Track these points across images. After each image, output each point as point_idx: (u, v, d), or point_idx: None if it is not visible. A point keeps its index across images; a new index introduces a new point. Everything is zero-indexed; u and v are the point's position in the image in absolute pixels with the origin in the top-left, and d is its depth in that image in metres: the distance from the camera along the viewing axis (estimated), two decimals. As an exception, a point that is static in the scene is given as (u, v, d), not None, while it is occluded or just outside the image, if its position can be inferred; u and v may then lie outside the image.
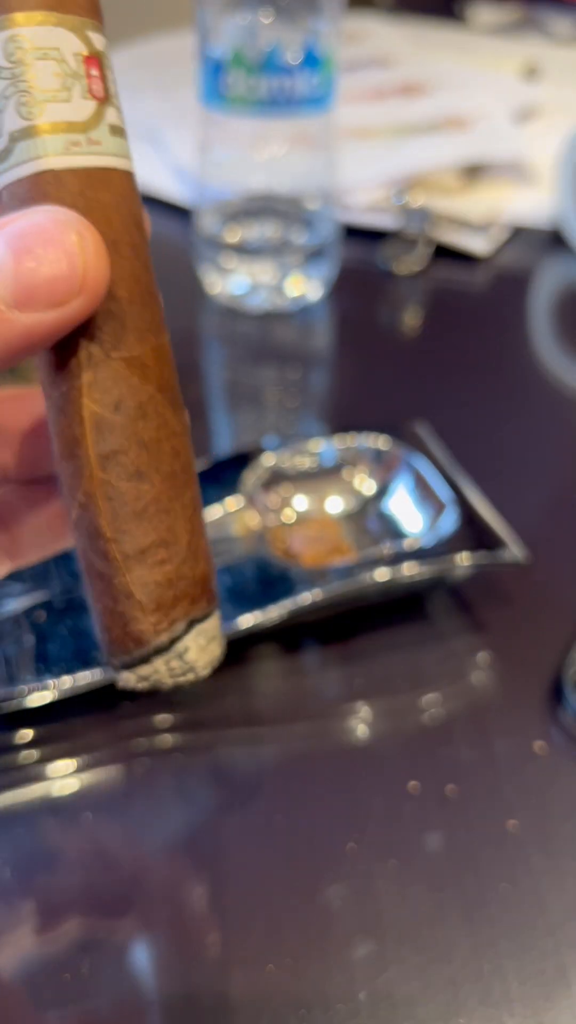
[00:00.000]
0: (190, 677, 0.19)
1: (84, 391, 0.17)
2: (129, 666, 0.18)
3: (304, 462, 0.35)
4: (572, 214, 0.57)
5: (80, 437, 0.17)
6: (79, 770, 0.27)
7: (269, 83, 0.44)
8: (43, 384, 0.18)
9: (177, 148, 0.64)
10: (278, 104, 0.45)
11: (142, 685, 0.19)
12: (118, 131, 0.18)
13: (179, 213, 0.58)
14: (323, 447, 0.36)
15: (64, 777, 0.27)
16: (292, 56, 0.44)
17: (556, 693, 0.29)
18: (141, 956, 0.23)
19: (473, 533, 0.31)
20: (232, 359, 0.48)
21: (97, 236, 0.16)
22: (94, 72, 0.17)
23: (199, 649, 0.19)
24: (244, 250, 0.51)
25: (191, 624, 0.18)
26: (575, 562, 0.35)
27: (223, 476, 0.34)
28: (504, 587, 0.33)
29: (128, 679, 0.19)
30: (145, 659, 0.18)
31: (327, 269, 0.52)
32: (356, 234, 0.58)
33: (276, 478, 0.35)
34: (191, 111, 0.50)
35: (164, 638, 0.18)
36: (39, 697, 0.27)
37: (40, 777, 0.27)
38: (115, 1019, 0.21)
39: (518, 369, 0.47)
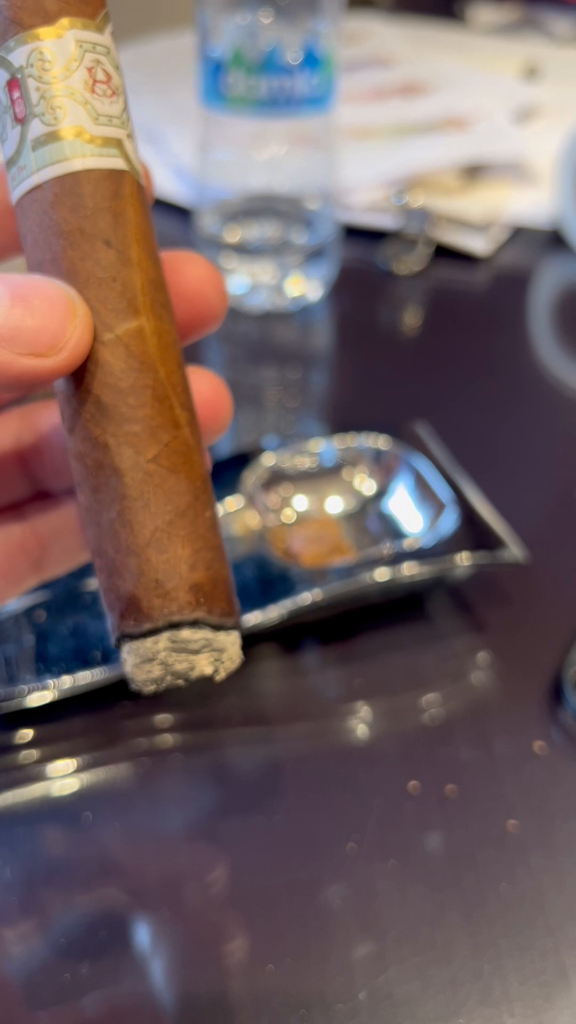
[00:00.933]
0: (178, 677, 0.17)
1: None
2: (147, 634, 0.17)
3: (304, 462, 0.35)
4: (572, 214, 0.57)
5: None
6: (79, 770, 0.27)
7: (269, 83, 0.44)
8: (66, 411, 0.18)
9: (177, 148, 0.64)
10: (278, 104, 0.45)
11: (182, 666, 0.17)
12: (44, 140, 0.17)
13: (179, 213, 0.58)
14: (323, 447, 0.36)
15: (64, 777, 0.27)
16: (292, 56, 0.44)
17: (556, 693, 0.29)
18: (141, 956, 0.23)
19: (473, 533, 0.31)
20: (232, 359, 0.48)
21: (88, 318, 0.16)
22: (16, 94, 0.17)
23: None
24: (244, 250, 0.51)
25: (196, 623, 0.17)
26: (575, 562, 0.35)
27: (223, 476, 0.34)
28: (504, 587, 0.33)
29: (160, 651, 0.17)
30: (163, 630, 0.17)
31: (327, 269, 0.52)
32: (356, 234, 0.58)
33: (276, 478, 0.35)
34: (191, 111, 0.50)
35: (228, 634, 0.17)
36: (39, 697, 0.27)
37: (40, 777, 0.27)
38: (115, 1019, 0.21)
39: (518, 369, 0.47)
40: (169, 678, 0.17)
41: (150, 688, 0.17)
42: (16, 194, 0.17)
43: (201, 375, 0.20)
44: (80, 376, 0.17)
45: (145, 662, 0.17)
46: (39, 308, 0.16)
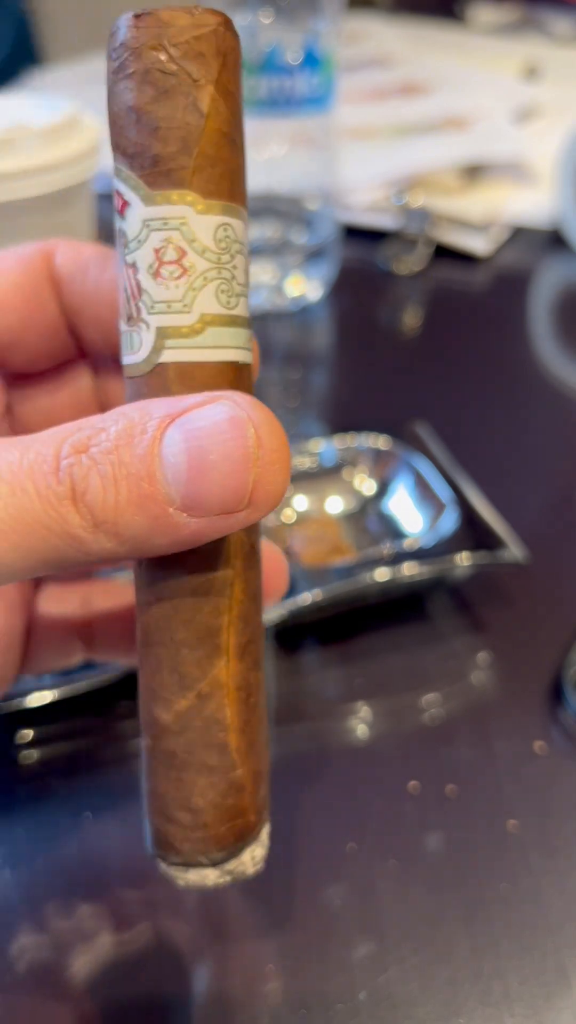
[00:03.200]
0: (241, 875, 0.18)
1: (237, 582, 0.17)
2: (221, 861, 0.17)
3: (304, 462, 0.35)
4: (572, 214, 0.57)
5: (222, 626, 0.16)
6: (79, 770, 0.27)
7: (269, 83, 0.44)
8: (152, 570, 0.17)
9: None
10: (278, 104, 0.45)
11: (224, 880, 0.17)
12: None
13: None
14: (323, 447, 0.36)
15: (64, 777, 0.27)
16: (292, 56, 0.44)
17: (556, 693, 0.29)
18: (141, 956, 0.23)
19: (473, 533, 0.31)
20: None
21: (279, 437, 0.15)
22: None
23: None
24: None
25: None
26: (575, 562, 0.35)
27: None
28: (504, 587, 0.33)
29: (208, 876, 0.17)
30: (239, 852, 0.17)
31: (327, 269, 0.52)
32: (356, 234, 0.58)
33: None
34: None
35: (265, 829, 0.18)
36: (39, 697, 0.27)
37: (40, 777, 0.27)
38: (114, 1019, 0.21)
39: (518, 369, 0.47)
40: (211, 881, 0.17)
41: (225, 879, 0.17)
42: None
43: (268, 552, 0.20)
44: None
45: (182, 877, 0.17)
46: (220, 465, 0.14)
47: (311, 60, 0.44)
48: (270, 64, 0.44)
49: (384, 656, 0.30)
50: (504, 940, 0.23)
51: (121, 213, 0.16)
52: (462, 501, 0.33)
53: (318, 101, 0.46)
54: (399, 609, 0.32)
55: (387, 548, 0.31)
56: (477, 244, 0.57)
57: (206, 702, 0.17)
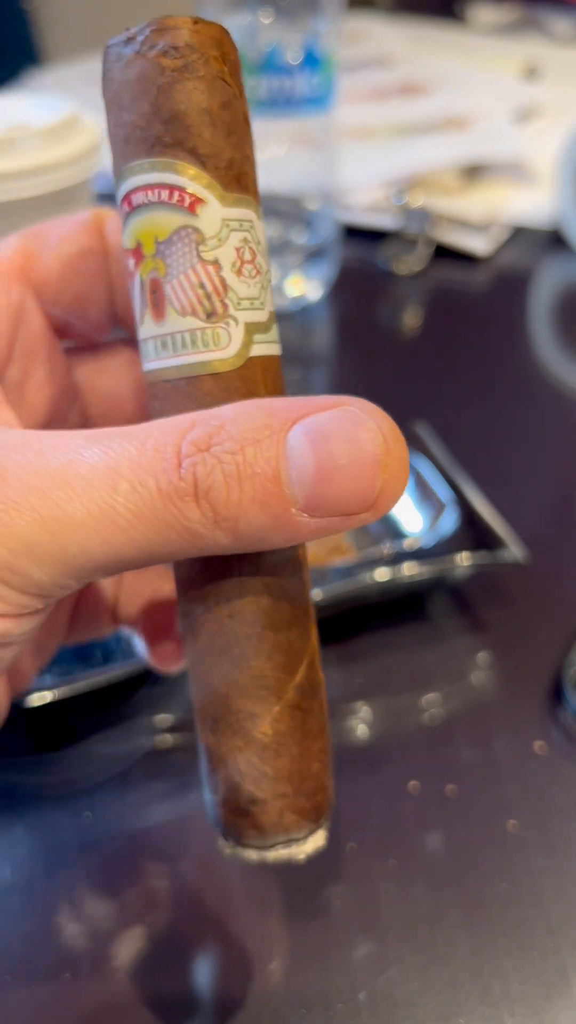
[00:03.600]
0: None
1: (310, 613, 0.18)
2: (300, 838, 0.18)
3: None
4: (572, 214, 0.57)
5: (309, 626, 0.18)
6: (80, 770, 0.27)
7: (269, 83, 0.44)
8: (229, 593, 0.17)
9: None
10: (278, 104, 0.45)
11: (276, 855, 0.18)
12: None
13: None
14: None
15: (65, 777, 0.27)
16: (292, 56, 0.44)
17: (556, 693, 0.29)
18: (141, 956, 0.23)
19: (473, 533, 0.31)
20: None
21: (403, 443, 0.15)
22: None
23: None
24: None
25: None
26: (575, 562, 0.35)
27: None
28: (504, 587, 0.33)
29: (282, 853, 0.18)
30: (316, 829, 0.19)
31: (327, 269, 0.52)
32: (356, 234, 0.58)
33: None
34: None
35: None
36: (39, 697, 0.27)
37: (41, 776, 0.27)
38: (115, 1019, 0.21)
39: (518, 369, 0.47)
40: (272, 855, 0.18)
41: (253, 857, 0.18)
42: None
43: None
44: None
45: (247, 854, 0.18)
46: (349, 470, 0.15)
47: (311, 60, 0.44)
48: (270, 64, 0.44)
49: (384, 656, 0.30)
50: (504, 940, 0.23)
51: (192, 210, 0.16)
52: (462, 501, 0.33)
53: (318, 101, 0.46)
54: (399, 609, 0.32)
55: (387, 548, 0.31)
56: (477, 244, 0.57)
57: (299, 702, 0.18)
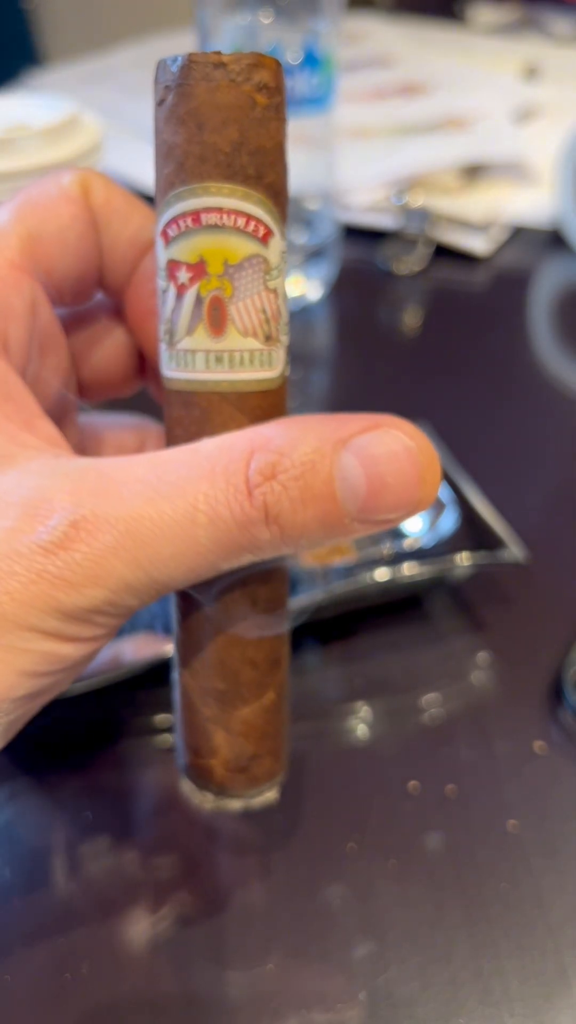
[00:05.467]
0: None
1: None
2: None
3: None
4: (571, 213, 0.57)
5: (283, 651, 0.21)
6: (79, 770, 0.27)
7: (269, 83, 0.44)
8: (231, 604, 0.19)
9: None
10: (278, 104, 0.45)
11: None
12: None
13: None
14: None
15: (64, 777, 0.27)
16: (292, 56, 0.44)
17: (556, 693, 0.29)
18: (141, 955, 0.23)
19: (473, 533, 0.31)
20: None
21: (435, 457, 0.17)
22: None
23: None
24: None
25: None
26: (575, 562, 0.35)
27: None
28: (504, 587, 0.33)
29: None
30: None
31: (327, 269, 0.52)
32: (356, 234, 0.58)
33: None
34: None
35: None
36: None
37: (41, 776, 0.27)
38: (115, 1020, 0.21)
39: (518, 369, 0.47)
40: (227, 803, 0.21)
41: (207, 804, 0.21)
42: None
43: None
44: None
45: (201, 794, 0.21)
46: (395, 489, 0.17)
47: (311, 60, 0.44)
48: (285, 83, 0.44)
49: (384, 656, 0.31)
50: (504, 940, 0.23)
51: (264, 241, 0.18)
52: (462, 501, 0.33)
53: (318, 101, 0.46)
54: (399, 609, 0.32)
55: (387, 548, 0.31)
56: (477, 244, 0.57)
57: (273, 699, 0.20)
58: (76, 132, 0.40)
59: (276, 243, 0.18)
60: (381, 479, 0.17)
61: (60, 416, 0.22)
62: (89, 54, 0.90)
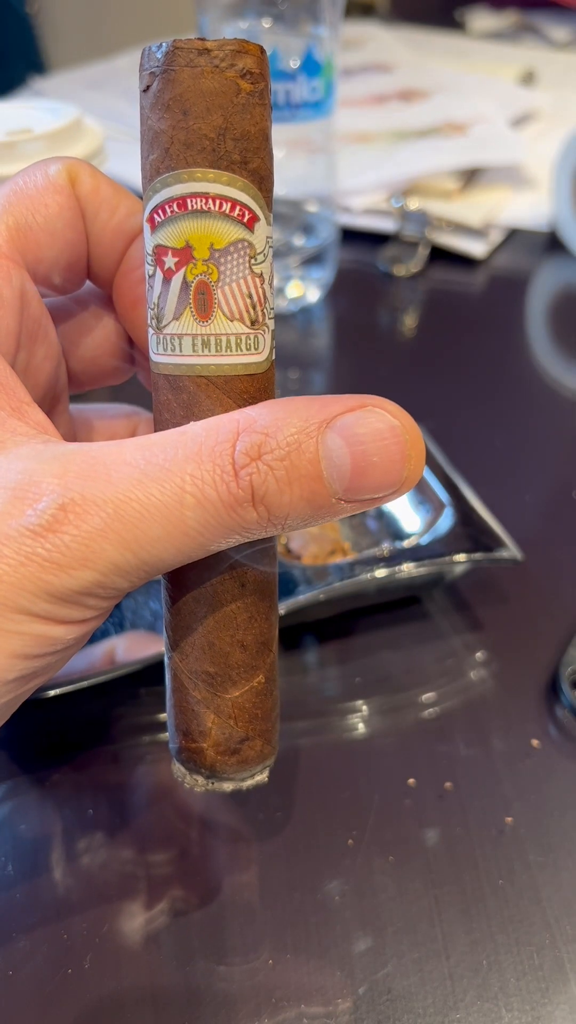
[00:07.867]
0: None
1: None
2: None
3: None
4: (569, 217, 0.57)
5: (272, 635, 0.21)
6: (79, 769, 0.27)
7: (269, 88, 0.45)
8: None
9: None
10: (278, 109, 0.45)
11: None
12: None
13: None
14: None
15: (65, 775, 0.27)
16: (292, 61, 0.44)
17: (553, 690, 0.29)
18: (142, 951, 0.23)
19: (470, 532, 0.31)
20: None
21: (420, 436, 0.17)
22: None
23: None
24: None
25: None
26: (571, 561, 0.35)
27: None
28: (501, 586, 0.33)
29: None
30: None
31: (326, 271, 0.53)
32: (355, 237, 0.59)
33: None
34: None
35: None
36: (39, 695, 0.27)
37: (41, 775, 0.27)
38: (116, 1013, 0.22)
39: (515, 370, 0.48)
40: (217, 786, 0.21)
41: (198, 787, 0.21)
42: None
43: None
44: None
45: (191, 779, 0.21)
46: (381, 466, 0.17)
47: (310, 65, 0.44)
48: (270, 69, 0.44)
49: (382, 654, 0.31)
50: (501, 935, 0.23)
51: (249, 226, 0.18)
52: (459, 501, 0.33)
53: (317, 106, 0.46)
54: (397, 608, 0.32)
55: (386, 548, 0.31)
56: (475, 247, 0.58)
57: (264, 682, 0.20)
58: (79, 137, 0.40)
59: (261, 228, 0.18)
60: (366, 458, 0.17)
61: (51, 405, 0.22)
62: (92, 60, 0.91)
